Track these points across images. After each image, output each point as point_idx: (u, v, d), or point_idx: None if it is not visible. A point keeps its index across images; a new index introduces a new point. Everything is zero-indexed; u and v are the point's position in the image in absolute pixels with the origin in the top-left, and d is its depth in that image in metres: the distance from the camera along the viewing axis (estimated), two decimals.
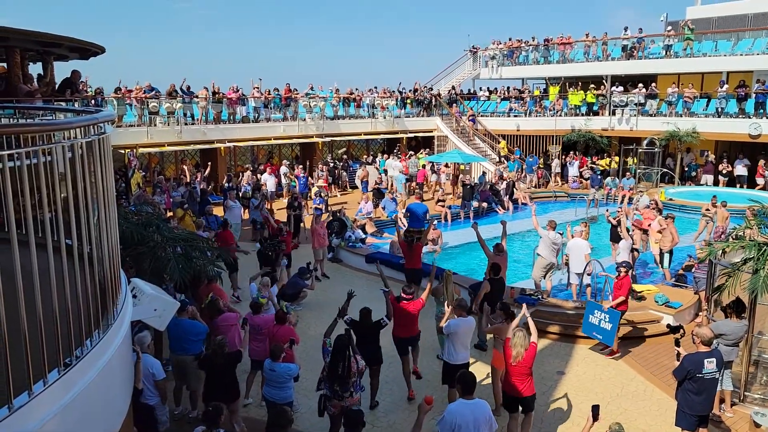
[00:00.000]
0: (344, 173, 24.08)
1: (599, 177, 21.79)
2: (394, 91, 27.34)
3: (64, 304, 3.14)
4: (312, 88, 24.80)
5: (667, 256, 12.67)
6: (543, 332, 9.63)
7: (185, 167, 19.65)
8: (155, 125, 19.75)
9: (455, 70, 30.82)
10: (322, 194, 18.08)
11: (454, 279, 9.39)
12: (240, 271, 11.74)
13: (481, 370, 8.23)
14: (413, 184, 21.74)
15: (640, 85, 24.67)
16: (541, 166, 24.94)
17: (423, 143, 27.27)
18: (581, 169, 23.98)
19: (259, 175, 20.47)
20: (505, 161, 25.12)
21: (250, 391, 7.81)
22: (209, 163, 20.19)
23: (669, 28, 27.19)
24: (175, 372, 7.54)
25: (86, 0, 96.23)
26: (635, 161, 23.49)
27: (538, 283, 11.59)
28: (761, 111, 21.65)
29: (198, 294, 8.74)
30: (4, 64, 9.51)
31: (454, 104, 28.14)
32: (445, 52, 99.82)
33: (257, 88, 22.93)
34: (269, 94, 23.25)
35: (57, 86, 10.83)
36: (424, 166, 23.25)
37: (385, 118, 25.89)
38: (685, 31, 24.68)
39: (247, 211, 17.20)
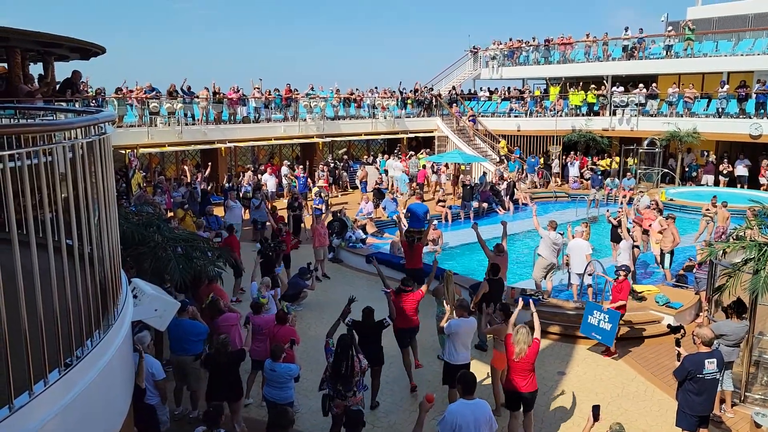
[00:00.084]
0: (345, 173, 24.09)
1: (600, 177, 21.79)
2: (394, 92, 27.34)
3: (64, 304, 3.14)
4: (312, 89, 24.81)
5: (667, 257, 12.67)
6: (543, 332, 9.60)
7: (186, 167, 19.66)
8: (156, 125, 19.76)
9: (456, 70, 30.82)
10: (323, 194, 18.09)
11: (454, 279, 9.39)
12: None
13: (481, 371, 8.23)
14: (413, 184, 21.75)
15: (641, 85, 24.66)
16: (541, 166, 24.94)
17: (423, 143, 27.26)
18: (582, 170, 23.99)
19: (259, 176, 20.49)
20: (506, 161, 25.12)
21: (251, 392, 7.81)
22: (209, 164, 20.21)
23: (670, 28, 27.18)
24: (176, 372, 7.54)
25: (86, 0, 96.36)
26: (636, 161, 23.49)
27: (538, 283, 11.59)
28: (762, 111, 21.65)
29: (198, 294, 8.75)
30: (5, 65, 9.53)
31: (455, 104, 28.13)
32: (446, 53, 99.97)
33: (258, 88, 22.94)
34: (270, 94, 23.25)
35: (58, 86, 10.85)
36: (424, 167, 23.26)
37: (385, 118, 25.89)
38: (685, 32, 24.68)
39: (247, 211, 17.21)
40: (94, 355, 3.38)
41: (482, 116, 28.30)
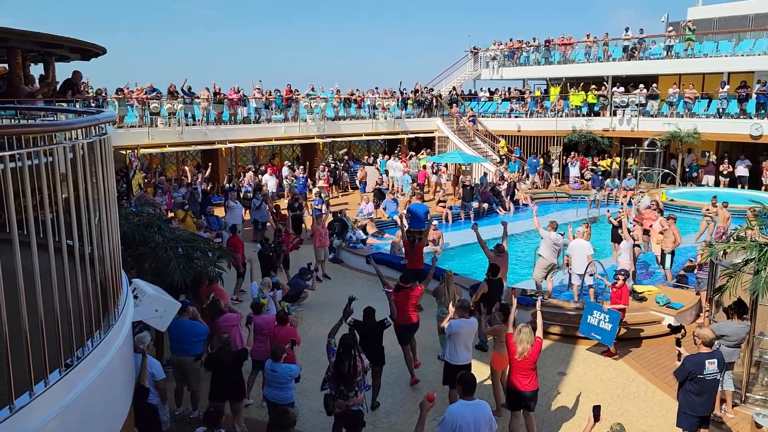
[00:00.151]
0: (345, 174, 24.09)
1: (600, 178, 21.79)
2: (395, 92, 27.35)
3: (65, 304, 3.14)
4: (313, 89, 24.82)
5: (668, 257, 12.66)
6: (544, 333, 9.61)
7: (186, 168, 19.67)
8: (156, 126, 19.77)
9: (456, 70, 30.82)
10: (322, 195, 18.09)
11: (455, 280, 9.39)
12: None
13: (481, 371, 8.23)
14: (414, 184, 21.76)
15: (641, 85, 24.65)
16: (541, 166, 24.93)
17: (424, 144, 27.27)
18: (582, 170, 23.99)
19: (260, 176, 20.50)
20: (506, 161, 25.12)
21: (251, 392, 7.81)
22: (210, 164, 20.21)
23: (670, 28, 27.15)
24: (176, 373, 7.54)
25: (86, 0, 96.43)
26: (636, 162, 23.49)
27: (539, 283, 11.58)
28: (762, 112, 21.64)
29: (199, 295, 8.75)
30: (6, 65, 9.53)
31: (455, 105, 28.14)
32: (446, 53, 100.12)
33: (258, 89, 22.95)
34: (270, 95, 23.27)
35: (58, 87, 10.85)
36: (424, 167, 23.27)
37: (386, 118, 25.90)
38: (686, 32, 24.69)
39: (248, 211, 17.21)
40: (94, 356, 3.38)
41: (483, 117, 28.31)
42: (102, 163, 3.83)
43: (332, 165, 23.44)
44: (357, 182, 22.96)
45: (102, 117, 3.85)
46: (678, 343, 6.79)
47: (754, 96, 22.00)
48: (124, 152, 18.00)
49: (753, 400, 7.70)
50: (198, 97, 21.01)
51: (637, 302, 10.56)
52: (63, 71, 11.52)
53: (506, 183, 21.11)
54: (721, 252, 8.43)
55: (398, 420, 7.48)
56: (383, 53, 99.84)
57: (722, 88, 22.77)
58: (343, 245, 14.81)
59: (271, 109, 23.07)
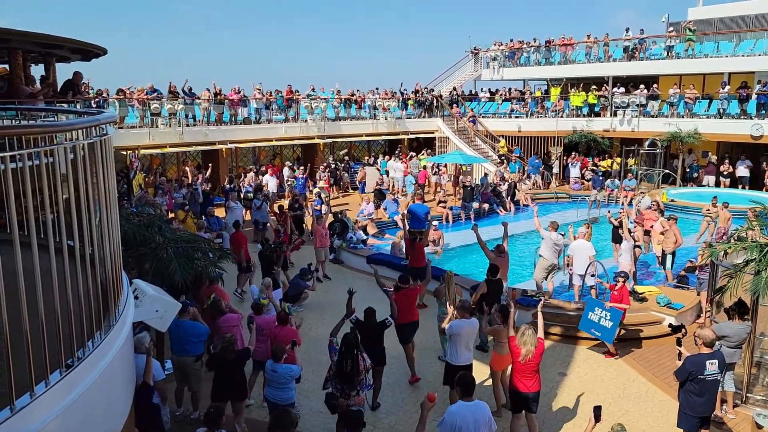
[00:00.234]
0: (345, 174, 24.11)
1: (601, 178, 21.78)
2: (395, 93, 27.36)
3: (65, 305, 3.14)
4: (313, 90, 24.84)
5: (669, 258, 12.65)
6: (544, 333, 9.61)
7: (187, 168, 19.69)
8: (157, 126, 19.78)
9: (456, 71, 30.84)
10: (322, 195, 18.10)
11: (455, 280, 9.39)
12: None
13: (482, 372, 8.23)
14: (416, 185, 21.76)
15: (642, 86, 24.65)
16: (542, 166, 24.94)
17: (424, 144, 27.28)
18: (583, 171, 23.98)
19: (261, 176, 20.51)
20: (506, 162, 25.12)
21: (252, 392, 7.81)
22: (210, 165, 20.21)
23: (670, 29, 27.14)
24: (177, 373, 7.54)
25: (86, 0, 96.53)
26: (637, 162, 23.48)
27: (539, 284, 11.58)
28: (763, 112, 21.63)
29: (199, 295, 8.75)
30: (7, 66, 9.54)
31: (455, 105, 28.15)
32: (446, 53, 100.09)
33: (259, 89, 22.97)
34: (271, 95, 23.29)
35: (59, 88, 10.86)
36: (425, 167, 23.27)
37: (386, 119, 25.90)
38: (686, 32, 24.68)
39: (248, 212, 17.22)
40: (95, 356, 3.39)
41: (483, 117, 28.31)
42: (103, 164, 3.84)
43: (333, 165, 23.45)
44: (357, 182, 22.98)
45: (103, 118, 3.86)
46: (679, 342, 6.78)
47: (754, 96, 21.99)
48: (124, 153, 17.99)
49: (754, 400, 7.70)
50: (199, 98, 21.02)
51: (638, 303, 10.55)
52: (64, 72, 11.54)
53: (507, 183, 21.11)
54: (722, 252, 8.42)
55: (399, 420, 7.48)
56: (383, 53, 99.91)
57: (723, 89, 22.76)
58: (344, 246, 14.81)
59: (272, 110, 23.08)
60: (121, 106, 18.97)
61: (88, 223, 3.51)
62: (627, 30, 26.37)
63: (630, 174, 22.45)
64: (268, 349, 7.18)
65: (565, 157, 25.23)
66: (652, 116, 24.20)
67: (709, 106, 23.81)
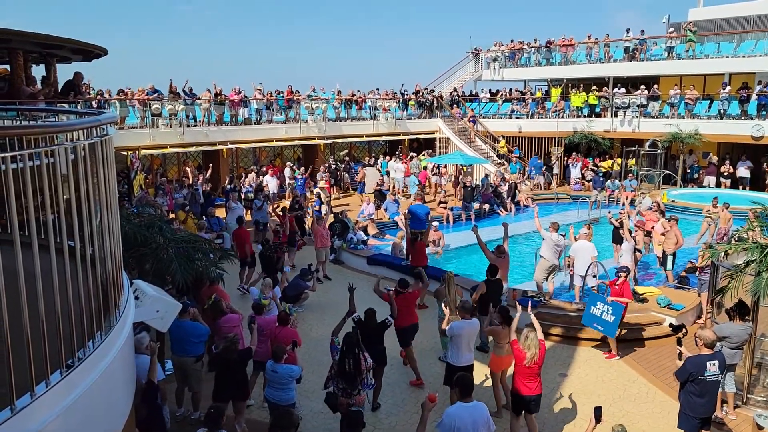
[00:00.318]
0: (346, 175, 24.11)
1: (601, 179, 21.77)
2: (396, 93, 27.37)
3: (66, 305, 3.14)
4: (314, 90, 24.85)
5: (670, 258, 12.64)
6: (545, 334, 9.57)
7: (187, 169, 19.69)
8: (158, 127, 19.79)
9: (457, 71, 30.84)
10: (322, 196, 18.10)
11: (456, 281, 9.38)
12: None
13: (483, 372, 8.23)
14: (418, 186, 21.76)
15: (642, 86, 24.65)
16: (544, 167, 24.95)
17: (425, 145, 27.29)
18: (583, 171, 23.97)
19: (261, 177, 20.52)
20: (506, 162, 25.13)
21: (252, 393, 7.81)
22: (211, 165, 20.22)
23: (671, 29, 27.14)
24: (177, 373, 7.54)
25: (86, 0, 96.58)
26: (637, 163, 23.47)
27: (540, 284, 11.58)
28: (764, 113, 21.64)
29: (200, 296, 8.76)
30: (7, 66, 9.55)
31: (455, 105, 28.15)
32: (447, 53, 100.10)
33: (259, 90, 22.98)
34: (271, 96, 23.30)
35: (60, 88, 10.87)
36: (425, 168, 23.26)
37: (387, 119, 25.91)
38: (687, 33, 24.68)
39: (249, 212, 17.23)
40: (95, 357, 3.39)
41: (484, 118, 28.32)
42: (103, 164, 3.84)
43: (333, 166, 23.46)
44: (357, 183, 22.99)
45: (103, 118, 3.86)
46: (679, 342, 6.78)
47: (755, 97, 22.00)
48: (125, 153, 18.00)
49: (754, 401, 7.69)
50: (199, 98, 21.04)
51: (639, 303, 10.54)
52: (64, 72, 11.54)
53: (507, 184, 21.11)
54: (723, 253, 8.42)
55: (399, 421, 7.48)
56: (384, 54, 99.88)
57: (723, 90, 22.76)
58: (344, 246, 14.81)
59: (272, 110, 23.10)
60: (121, 107, 18.99)
61: (88, 224, 3.51)
62: (628, 30, 26.40)
63: (631, 175, 22.44)
64: (269, 349, 7.18)
65: (565, 158, 25.22)
66: (653, 117, 24.20)
67: (709, 107, 23.81)
